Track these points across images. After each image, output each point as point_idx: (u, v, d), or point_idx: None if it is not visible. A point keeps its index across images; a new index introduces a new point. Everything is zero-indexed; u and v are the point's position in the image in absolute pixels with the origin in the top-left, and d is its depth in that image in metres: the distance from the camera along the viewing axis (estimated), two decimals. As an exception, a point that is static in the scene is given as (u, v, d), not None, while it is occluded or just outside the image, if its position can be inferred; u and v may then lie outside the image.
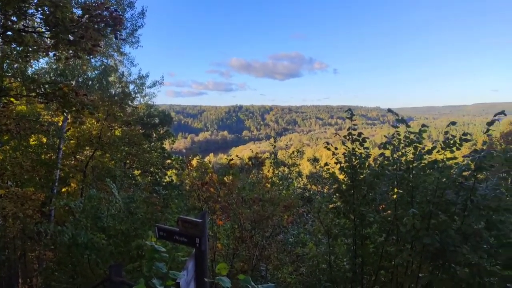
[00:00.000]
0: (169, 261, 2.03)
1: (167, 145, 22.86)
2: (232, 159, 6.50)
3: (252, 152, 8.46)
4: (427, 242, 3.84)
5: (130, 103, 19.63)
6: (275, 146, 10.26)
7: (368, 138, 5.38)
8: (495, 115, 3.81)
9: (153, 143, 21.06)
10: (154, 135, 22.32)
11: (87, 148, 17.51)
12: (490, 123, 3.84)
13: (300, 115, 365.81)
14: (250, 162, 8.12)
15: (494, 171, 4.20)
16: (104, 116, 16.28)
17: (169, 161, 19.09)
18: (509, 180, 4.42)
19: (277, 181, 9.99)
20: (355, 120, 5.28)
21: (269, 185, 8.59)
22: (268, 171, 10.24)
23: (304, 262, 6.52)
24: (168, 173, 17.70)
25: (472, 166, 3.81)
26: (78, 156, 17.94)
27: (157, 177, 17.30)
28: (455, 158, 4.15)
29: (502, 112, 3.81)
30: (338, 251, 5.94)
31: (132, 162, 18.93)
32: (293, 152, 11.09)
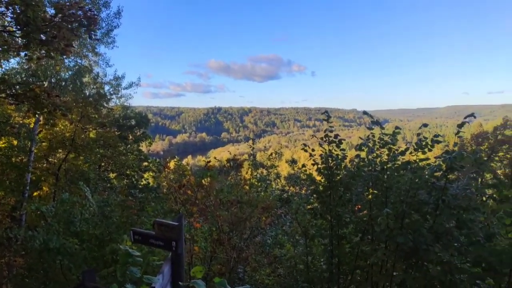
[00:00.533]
0: (144, 265, 1.99)
1: (144, 147, 22.49)
2: (209, 161, 6.47)
3: (230, 154, 8.43)
4: (400, 241, 3.94)
5: (105, 105, 19.23)
6: (253, 148, 10.27)
7: (344, 140, 5.46)
8: (465, 118, 3.95)
9: (129, 145, 20.68)
10: (131, 137, 21.91)
11: (60, 150, 17.00)
12: (460, 125, 3.97)
13: (278, 117, 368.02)
14: (228, 164, 8.09)
15: (465, 171, 4.35)
16: (78, 118, 15.87)
17: (146, 163, 18.79)
18: (479, 180, 4.58)
19: (256, 182, 10.00)
20: (332, 122, 5.37)
21: (247, 187, 8.58)
22: (247, 173, 10.24)
23: (282, 263, 6.56)
24: (145, 175, 17.41)
25: (444, 167, 3.93)
26: (50, 159, 17.39)
27: (134, 180, 16.98)
28: (427, 159, 4.27)
29: (472, 115, 3.95)
30: (315, 252, 6.00)
31: (108, 165, 18.52)
32: (271, 154, 11.13)
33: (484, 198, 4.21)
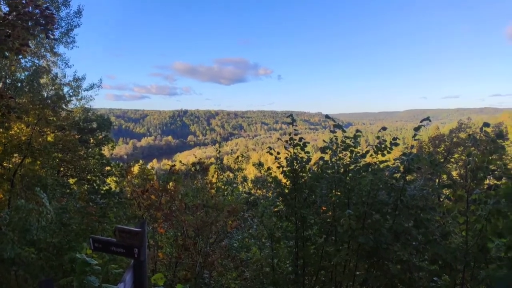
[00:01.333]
0: (103, 274, 1.93)
1: (106, 151, 21.80)
2: (174, 165, 6.38)
3: (196, 157, 8.36)
4: (362, 241, 4.06)
5: (64, 107, 18.47)
6: (219, 151, 10.24)
7: (308, 143, 5.57)
8: (421, 121, 4.14)
9: (90, 149, 19.97)
10: (92, 140, 21.17)
11: (16, 155, 16.13)
12: (417, 128, 4.17)
13: (246, 120, 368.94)
14: (194, 168, 8.01)
15: (423, 172, 4.56)
16: (35, 121, 15.13)
17: (108, 168, 18.22)
18: (437, 181, 4.80)
19: (222, 186, 9.97)
20: (297, 125, 5.46)
21: (213, 191, 8.54)
22: (213, 176, 10.19)
23: (248, 266, 6.56)
24: (107, 180, 16.87)
25: (401, 169, 4.10)
26: (5, 164, 16.45)
27: (95, 185, 16.41)
28: (387, 161, 4.44)
29: (427, 118, 4.15)
30: (281, 254, 6.06)
31: (67, 170, 17.78)
32: (237, 157, 11.15)
33: (440, 198, 4.43)
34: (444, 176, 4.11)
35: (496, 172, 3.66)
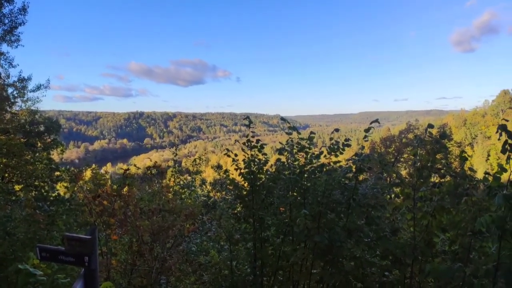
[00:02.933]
0: (48, 285, 1.85)
1: (55, 155, 20.71)
2: (128, 169, 6.20)
3: (151, 161, 8.17)
4: (317, 240, 4.18)
5: (8, 109, 17.36)
6: (176, 154, 10.08)
7: (266, 145, 5.64)
8: (370, 123, 4.34)
9: (37, 154, 18.87)
10: (39, 144, 20.02)
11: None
12: (367, 130, 4.36)
13: (204, 122, 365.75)
14: (149, 172, 7.83)
15: (375, 172, 4.77)
16: (-26, 123, 14.08)
17: (57, 173, 17.32)
18: (388, 180, 5.04)
19: (179, 189, 9.82)
20: (255, 127, 5.53)
21: (170, 195, 8.39)
22: (170, 180, 10.01)
23: (207, 270, 6.52)
24: (57, 186, 16.03)
25: (354, 169, 4.27)
26: None
27: (43, 191, 15.54)
28: (340, 161, 4.61)
29: (376, 121, 4.36)
30: (239, 256, 6.08)
31: (12, 176, 16.69)
32: (194, 160, 11.02)
33: (390, 196, 4.66)
34: (394, 175, 4.32)
35: (442, 170, 3.91)
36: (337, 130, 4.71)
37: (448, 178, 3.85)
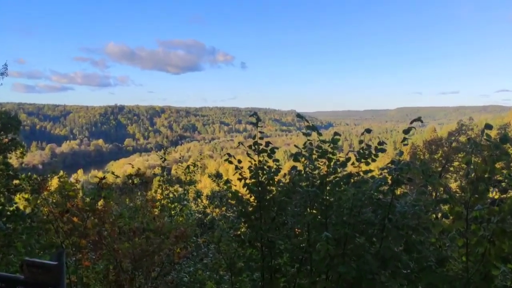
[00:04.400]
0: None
1: (13, 159, 20.95)
2: (104, 178, 6.23)
3: (133, 167, 8.22)
4: (343, 270, 4.15)
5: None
6: (164, 159, 10.12)
7: (277, 149, 5.64)
8: (411, 122, 4.32)
9: (-9, 157, 19.11)
10: (-6, 145, 20.28)
11: None
12: (406, 131, 4.34)
13: (200, 119, 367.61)
14: (130, 181, 7.88)
15: (417, 184, 4.73)
16: None
17: (16, 181, 17.49)
18: (434, 195, 5.01)
19: (168, 204, 9.86)
20: (264, 126, 5.54)
21: (157, 210, 8.42)
22: (157, 191, 10.06)
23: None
24: (15, 198, 16.20)
25: (389, 180, 4.25)
26: None
27: (-2, 204, 15.72)
28: (372, 170, 4.59)
29: (418, 119, 4.33)
30: (243, 289, 6.08)
31: (-41, 185, 16.92)
32: (187, 167, 11.05)
33: (436, 216, 4.61)
34: (442, 188, 4.29)
35: (503, 183, 3.86)
36: (368, 130, 4.69)
37: (511, 193, 3.80)
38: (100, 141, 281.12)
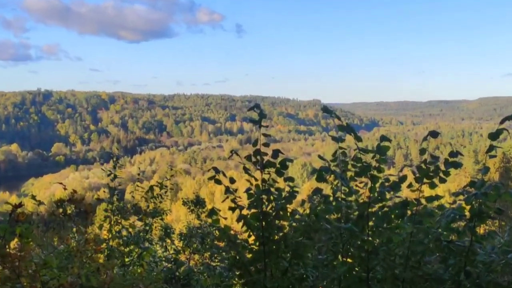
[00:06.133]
0: None
1: None
2: (20, 205, 6.25)
3: (65, 188, 8.21)
4: None
5: None
6: (115, 177, 10.10)
7: (292, 161, 5.65)
8: (502, 121, 4.30)
9: None
10: None
11: None
12: (494, 135, 4.33)
13: (171, 113, 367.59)
14: (61, 210, 7.89)
15: (510, 218, 4.73)
16: None
17: None
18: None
19: (121, 247, 9.87)
20: (268, 125, 5.52)
21: (102, 257, 8.43)
22: (101, 226, 10.06)
23: None
24: None
25: (467, 212, 4.24)
26: None
27: None
28: (438, 197, 4.58)
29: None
30: None
31: None
32: (151, 188, 11.04)
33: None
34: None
35: None
36: (434, 134, 4.68)
37: None
38: (14, 147, 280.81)
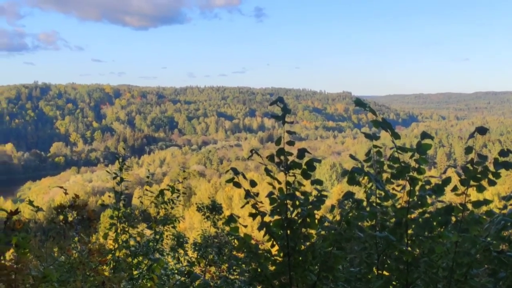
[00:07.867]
0: None
1: None
2: (16, 211, 6.29)
3: (66, 193, 8.26)
4: None
5: None
6: (121, 180, 10.14)
7: (320, 161, 5.63)
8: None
9: None
10: None
11: None
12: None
13: (183, 107, 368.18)
14: (61, 217, 7.94)
15: None
16: None
17: None
18: None
19: (128, 258, 9.91)
20: (293, 121, 5.51)
21: (107, 269, 8.47)
22: (107, 235, 10.10)
23: None
24: None
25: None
26: None
27: None
28: (486, 202, 4.54)
29: None
30: None
31: None
32: (161, 192, 11.07)
33: None
34: None
35: None
36: (482, 130, 4.64)
37: None
38: (8, 147, 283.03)
